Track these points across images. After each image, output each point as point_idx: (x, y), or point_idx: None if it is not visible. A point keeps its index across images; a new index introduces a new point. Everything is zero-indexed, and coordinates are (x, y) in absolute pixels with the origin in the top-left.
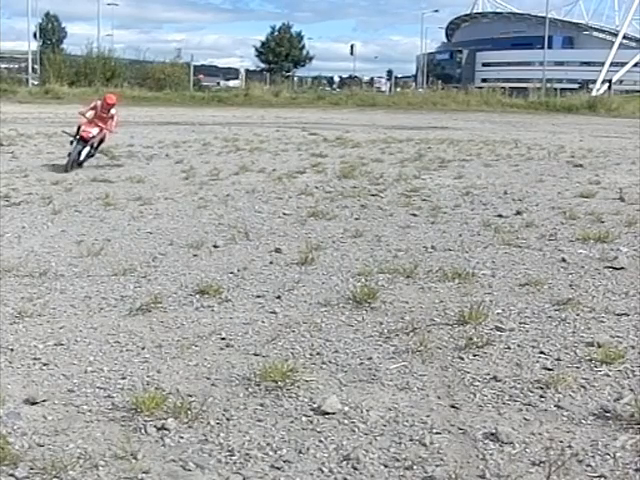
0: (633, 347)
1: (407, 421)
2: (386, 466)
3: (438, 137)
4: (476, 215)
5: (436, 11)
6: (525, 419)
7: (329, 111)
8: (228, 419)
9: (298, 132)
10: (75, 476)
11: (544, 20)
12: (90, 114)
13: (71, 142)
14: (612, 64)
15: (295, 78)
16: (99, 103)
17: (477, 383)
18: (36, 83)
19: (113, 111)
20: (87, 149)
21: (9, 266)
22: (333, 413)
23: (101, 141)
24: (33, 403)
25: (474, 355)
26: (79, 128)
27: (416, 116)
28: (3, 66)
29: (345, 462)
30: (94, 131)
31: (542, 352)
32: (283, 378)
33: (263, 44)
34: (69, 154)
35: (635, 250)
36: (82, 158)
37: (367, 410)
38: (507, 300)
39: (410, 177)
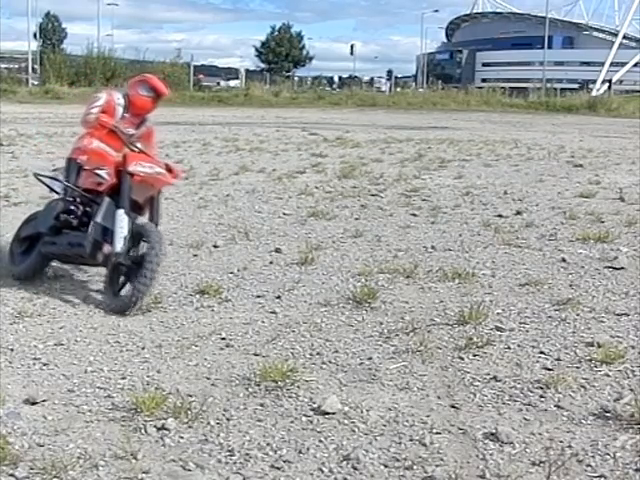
0: (633, 347)
1: (407, 421)
2: (386, 466)
3: (438, 137)
4: (476, 215)
5: (436, 11)
6: (525, 419)
7: (329, 111)
8: (228, 419)
9: (298, 132)
10: (75, 476)
11: (544, 20)
12: (92, 118)
13: (70, 211)
14: (612, 64)
15: (295, 78)
16: (116, 97)
17: (477, 383)
18: (36, 83)
19: (149, 123)
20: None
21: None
22: (333, 413)
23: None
24: (33, 403)
25: (474, 355)
26: (78, 167)
27: (416, 116)
28: (3, 66)
29: (345, 462)
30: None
31: (542, 352)
32: (283, 378)
33: (263, 44)
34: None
35: (635, 250)
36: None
37: (367, 410)
38: (507, 300)
39: (410, 177)
